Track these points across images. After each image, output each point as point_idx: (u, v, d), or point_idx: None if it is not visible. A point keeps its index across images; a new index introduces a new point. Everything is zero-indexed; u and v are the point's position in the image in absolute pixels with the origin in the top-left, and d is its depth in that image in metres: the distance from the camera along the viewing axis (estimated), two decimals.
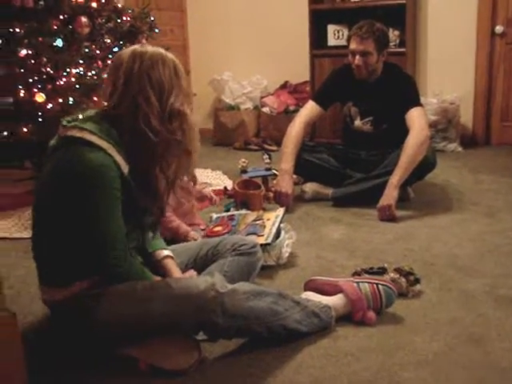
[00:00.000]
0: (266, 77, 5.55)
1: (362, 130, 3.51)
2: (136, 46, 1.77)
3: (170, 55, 1.77)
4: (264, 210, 3.22)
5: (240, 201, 3.23)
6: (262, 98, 5.47)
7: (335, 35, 4.97)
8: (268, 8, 5.49)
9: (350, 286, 1.95)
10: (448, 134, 4.79)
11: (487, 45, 4.78)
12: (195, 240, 2.50)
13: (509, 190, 3.55)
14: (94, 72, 3.35)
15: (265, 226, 2.52)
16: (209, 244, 2.15)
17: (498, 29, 4.73)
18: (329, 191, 3.42)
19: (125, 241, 1.74)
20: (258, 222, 2.58)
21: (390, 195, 3.06)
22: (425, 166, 3.18)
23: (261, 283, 2.28)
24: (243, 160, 3.65)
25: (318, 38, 5.02)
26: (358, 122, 3.52)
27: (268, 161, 3.63)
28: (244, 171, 3.63)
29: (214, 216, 2.82)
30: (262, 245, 2.34)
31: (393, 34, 4.66)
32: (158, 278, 1.90)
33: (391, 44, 4.60)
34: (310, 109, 3.52)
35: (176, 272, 1.97)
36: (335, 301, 1.94)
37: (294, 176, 3.67)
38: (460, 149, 4.77)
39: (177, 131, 1.74)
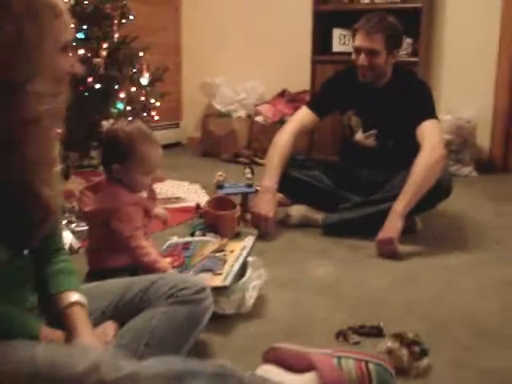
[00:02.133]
0: (263, 83, 5.06)
1: (364, 144, 2.94)
2: None
3: None
4: (238, 235, 2.66)
5: (209, 222, 2.65)
6: (256, 106, 4.93)
7: (341, 40, 4.47)
8: (268, 9, 5.04)
9: (326, 362, 1.35)
10: (462, 156, 4.31)
11: (511, 57, 4.25)
12: None
13: None
14: None
15: (226, 261, 1.92)
16: (138, 285, 1.55)
17: None
18: (319, 216, 2.85)
19: None
20: (218, 255, 1.98)
21: (392, 226, 2.47)
22: (438, 191, 2.59)
23: (209, 342, 1.69)
24: (220, 173, 3.06)
25: (321, 42, 4.51)
26: (359, 135, 2.95)
27: (250, 175, 3.05)
28: (220, 186, 3.04)
29: (167, 243, 2.22)
30: (217, 288, 1.74)
31: (405, 42, 4.11)
32: (56, 334, 1.32)
33: (402, 53, 4.07)
34: (302, 116, 2.95)
35: (83, 327, 1.36)
36: (304, 382, 1.34)
37: (281, 195, 3.10)
38: (475, 173, 4.29)
39: None
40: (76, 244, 2.45)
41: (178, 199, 3.41)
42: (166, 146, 5.12)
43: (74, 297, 1.39)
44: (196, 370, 1.18)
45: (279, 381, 1.31)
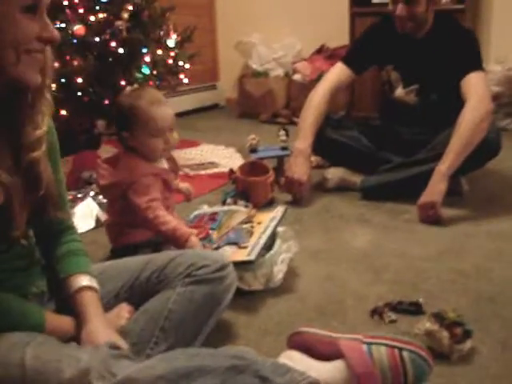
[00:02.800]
0: (300, 40, 4.87)
1: (405, 101, 2.74)
2: None
3: None
4: (272, 201, 2.53)
5: (241, 189, 2.52)
6: (293, 63, 4.74)
7: None
8: None
9: (356, 349, 1.21)
10: None
11: None
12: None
13: None
14: None
15: (252, 233, 1.79)
16: (154, 263, 1.43)
17: None
18: (358, 179, 2.68)
19: None
20: (245, 226, 1.85)
21: (435, 188, 2.29)
22: (485, 149, 2.38)
23: (234, 322, 1.57)
24: (252, 137, 2.92)
25: None
26: (399, 91, 2.75)
27: (284, 138, 2.89)
28: (253, 150, 2.90)
29: (194, 213, 2.10)
30: (241, 263, 1.62)
31: None
32: (65, 321, 1.23)
33: (447, 0, 3.82)
34: (337, 72, 2.76)
35: (93, 313, 1.25)
36: (331, 372, 1.20)
37: (318, 158, 2.94)
38: None
39: None
40: (103, 216, 2.36)
41: (211, 164, 3.29)
42: (203, 109, 5.06)
43: (84, 281, 1.28)
44: (205, 366, 1.06)
45: (303, 370, 1.18)
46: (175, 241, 1.72)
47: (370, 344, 1.22)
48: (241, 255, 1.67)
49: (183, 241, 1.70)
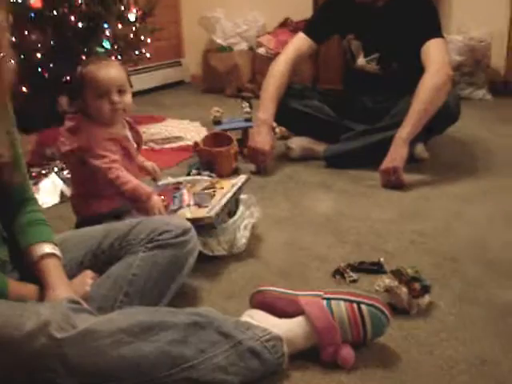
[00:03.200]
0: (264, 14, 4.84)
1: (366, 69, 2.76)
2: None
3: None
4: (236, 172, 2.54)
5: (205, 160, 2.52)
6: (257, 37, 4.72)
7: None
8: None
9: (316, 305, 1.23)
10: (475, 79, 4.08)
11: None
12: (160, 212, 1.76)
13: None
14: None
15: (213, 196, 1.80)
16: (116, 230, 1.44)
17: None
18: (321, 148, 2.69)
19: None
20: (207, 192, 1.86)
21: (396, 154, 2.32)
22: (444, 116, 2.41)
23: (197, 287, 1.59)
24: (216, 109, 2.92)
25: None
26: (360, 60, 2.76)
27: (248, 109, 2.91)
28: (217, 122, 2.90)
29: (158, 183, 2.10)
30: (203, 225, 1.64)
31: None
32: (28, 289, 1.24)
33: None
34: (298, 43, 2.77)
35: (56, 279, 1.26)
36: (291, 328, 1.23)
37: (283, 128, 2.96)
38: (489, 96, 4.07)
39: None
40: (67, 191, 2.34)
41: (177, 138, 3.27)
42: (169, 86, 5.02)
43: (47, 248, 1.29)
44: (166, 321, 1.08)
45: (265, 326, 1.20)
46: (137, 199, 1.73)
47: (329, 299, 1.24)
48: (201, 213, 1.68)
49: (145, 199, 1.71)
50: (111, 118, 1.77)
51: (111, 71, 1.76)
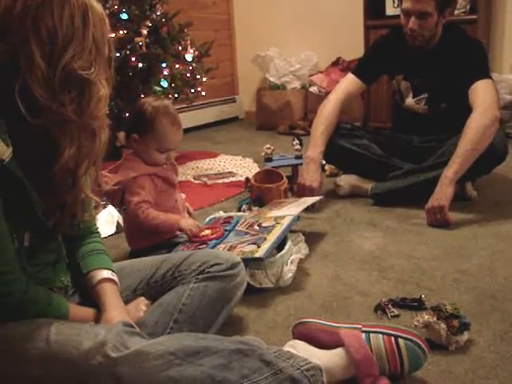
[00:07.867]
0: (316, 53, 4.96)
1: (415, 109, 2.81)
2: None
3: None
4: None
5: (255, 196, 2.60)
6: (310, 76, 4.83)
7: (394, 2, 4.24)
8: None
9: (355, 337, 1.29)
10: None
11: None
12: (189, 234, 1.90)
13: None
14: None
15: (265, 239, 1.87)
16: (170, 261, 1.54)
17: None
18: (369, 186, 2.74)
19: (13, 257, 1.15)
20: (249, 217, 1.95)
21: (442, 193, 2.35)
22: (492, 155, 2.44)
23: (244, 316, 1.66)
24: (267, 146, 3.01)
25: (374, 6, 4.30)
26: (409, 100, 2.82)
27: (298, 147, 3.00)
28: (268, 159, 3.00)
29: (209, 217, 2.20)
30: (253, 259, 1.71)
31: None
32: (86, 312, 1.34)
33: (460, 11, 3.86)
34: (347, 83, 2.85)
35: (112, 302, 1.37)
36: (331, 358, 1.28)
37: (332, 167, 3.03)
38: None
39: (71, 104, 1.13)
40: (123, 222, 2.46)
41: (229, 174, 3.39)
42: (223, 121, 5.18)
43: (105, 274, 1.40)
44: (212, 347, 1.15)
45: (305, 356, 1.26)
46: (170, 229, 1.90)
47: (368, 333, 1.30)
48: (252, 250, 1.76)
49: (176, 227, 1.89)
50: (159, 164, 1.92)
51: (180, 136, 1.89)
